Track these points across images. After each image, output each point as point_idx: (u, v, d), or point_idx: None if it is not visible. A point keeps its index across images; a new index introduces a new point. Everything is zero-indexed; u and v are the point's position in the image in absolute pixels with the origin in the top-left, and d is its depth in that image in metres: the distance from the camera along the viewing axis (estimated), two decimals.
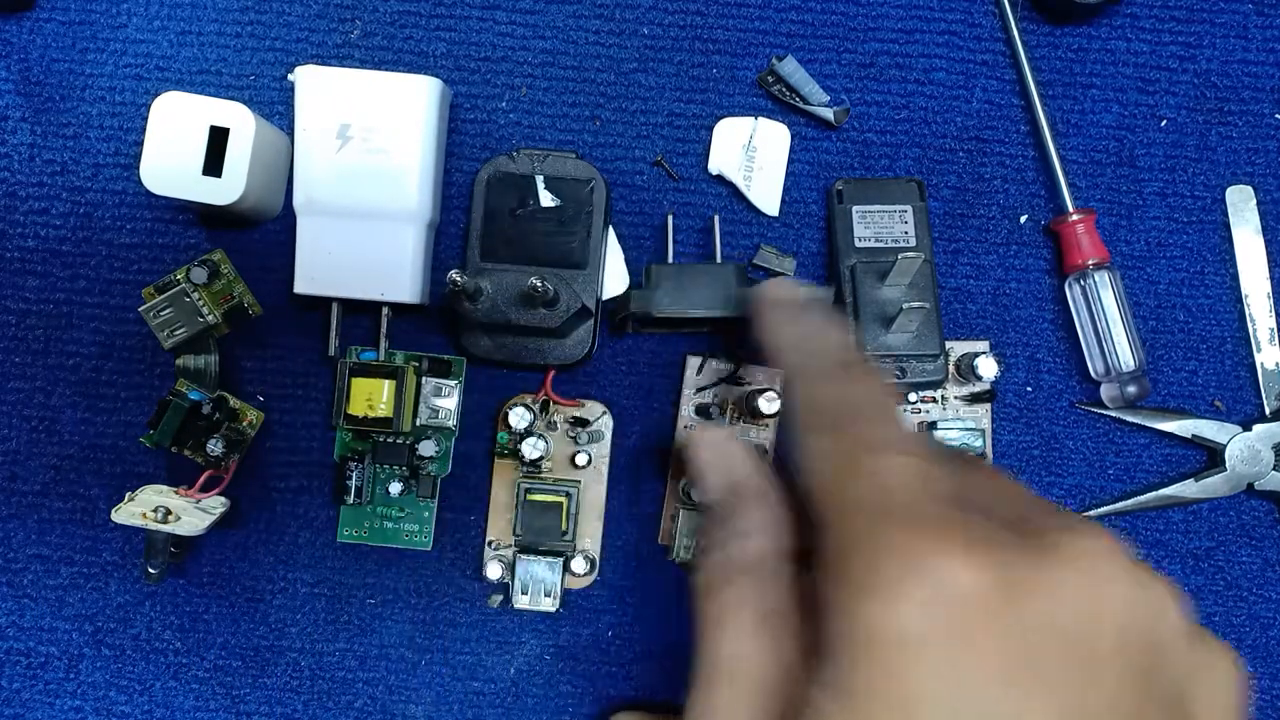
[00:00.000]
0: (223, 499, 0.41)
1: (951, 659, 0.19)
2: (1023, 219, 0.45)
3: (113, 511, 0.38)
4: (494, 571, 0.42)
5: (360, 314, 0.43)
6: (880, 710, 0.19)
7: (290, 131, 0.42)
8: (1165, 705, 0.21)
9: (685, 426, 0.43)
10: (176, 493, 0.41)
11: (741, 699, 0.24)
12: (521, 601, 0.41)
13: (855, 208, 0.43)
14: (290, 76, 0.42)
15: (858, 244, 0.43)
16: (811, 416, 0.27)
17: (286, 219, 0.43)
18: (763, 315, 0.34)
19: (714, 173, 0.44)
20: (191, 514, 0.39)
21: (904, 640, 0.19)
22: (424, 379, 0.42)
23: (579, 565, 0.42)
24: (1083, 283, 0.43)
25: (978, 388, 0.44)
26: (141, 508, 0.38)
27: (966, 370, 0.43)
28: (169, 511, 0.38)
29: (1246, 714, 0.23)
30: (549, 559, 0.42)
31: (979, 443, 0.42)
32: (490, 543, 0.43)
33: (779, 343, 0.33)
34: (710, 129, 0.44)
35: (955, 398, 0.44)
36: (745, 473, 0.32)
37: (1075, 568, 0.20)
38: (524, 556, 0.42)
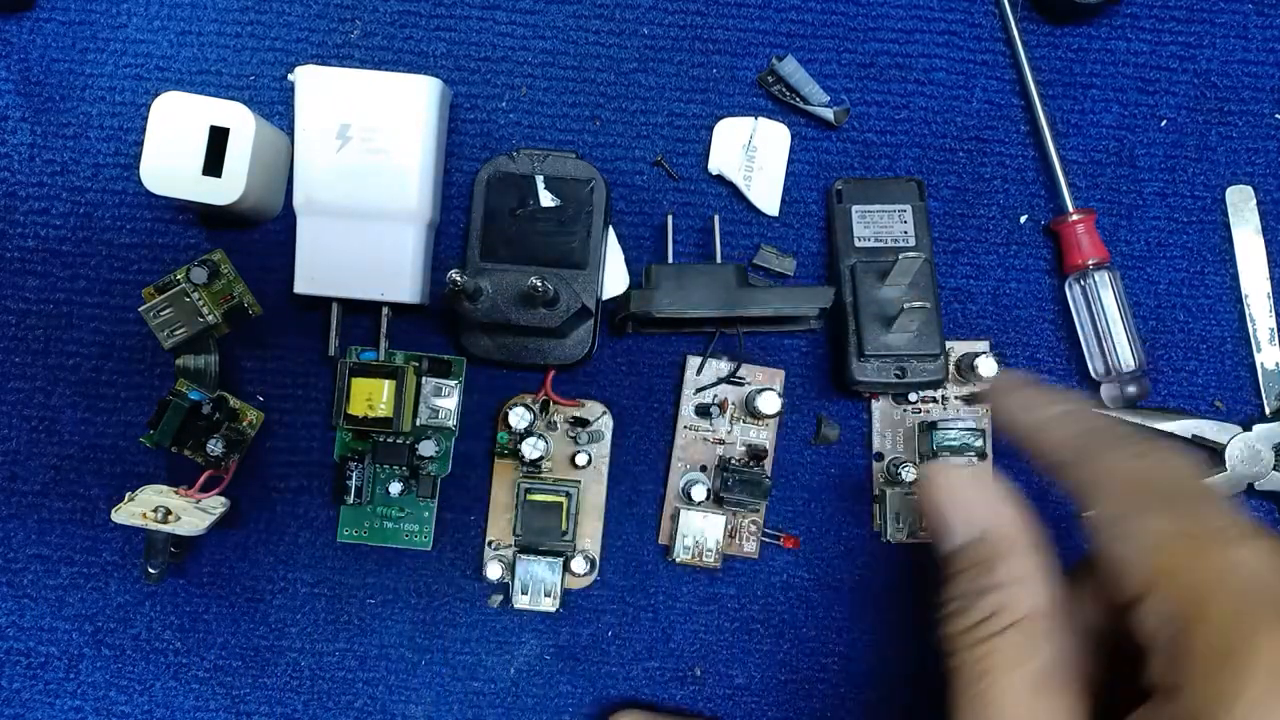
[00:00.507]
0: (223, 499, 0.41)
1: None
2: (1023, 219, 0.45)
3: (113, 511, 0.38)
4: (494, 571, 0.42)
5: (360, 314, 0.43)
6: None
7: (290, 131, 0.42)
8: None
9: (685, 427, 0.43)
10: (177, 493, 0.41)
11: None
12: (521, 601, 0.41)
13: (855, 207, 0.43)
14: (290, 76, 0.42)
15: (857, 244, 0.43)
16: (1132, 494, 0.26)
17: (286, 219, 0.43)
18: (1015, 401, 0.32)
19: (714, 173, 0.44)
20: (191, 514, 0.39)
21: None
22: (424, 379, 0.42)
23: (579, 565, 0.42)
24: (1083, 283, 0.43)
25: (978, 387, 0.44)
26: (141, 508, 0.38)
27: (966, 370, 0.43)
28: (169, 511, 0.38)
29: None
30: (549, 559, 0.42)
31: (979, 443, 0.42)
32: (490, 543, 0.43)
33: (1022, 421, 0.31)
34: (710, 129, 0.44)
35: (955, 397, 0.44)
36: (1004, 519, 0.30)
37: None
38: (524, 556, 0.42)
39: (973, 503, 0.30)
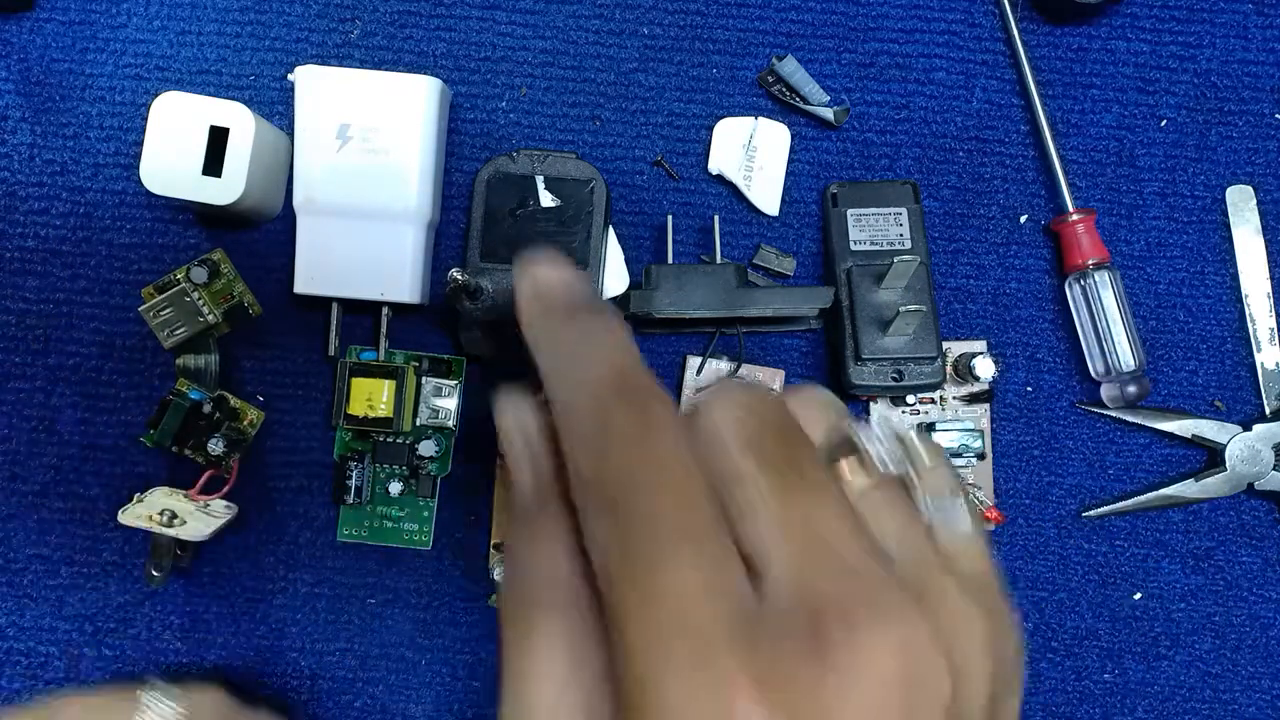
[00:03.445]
0: (230, 505, 0.41)
1: None
2: (1023, 219, 0.45)
3: (120, 512, 0.38)
4: (500, 574, 0.41)
5: (360, 314, 0.43)
6: None
7: (290, 131, 0.42)
8: None
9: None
10: (185, 495, 0.41)
11: None
12: None
13: (850, 211, 0.43)
14: (290, 76, 0.42)
15: (853, 247, 0.43)
16: (581, 484, 0.20)
17: (286, 219, 0.43)
18: (523, 316, 0.26)
19: (714, 173, 0.44)
20: (198, 518, 0.39)
21: None
22: (424, 379, 0.42)
23: None
24: (1083, 283, 0.43)
25: (976, 388, 0.44)
26: (149, 510, 0.38)
27: (965, 370, 0.43)
28: (174, 515, 0.38)
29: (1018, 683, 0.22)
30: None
31: (978, 443, 0.42)
32: (495, 545, 0.43)
33: (540, 362, 0.24)
34: (710, 129, 0.44)
35: (954, 398, 0.44)
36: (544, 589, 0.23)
37: (864, 680, 0.17)
38: None
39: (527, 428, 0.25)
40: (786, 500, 0.19)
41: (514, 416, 0.25)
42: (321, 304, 0.42)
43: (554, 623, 0.20)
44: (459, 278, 0.37)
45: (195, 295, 0.40)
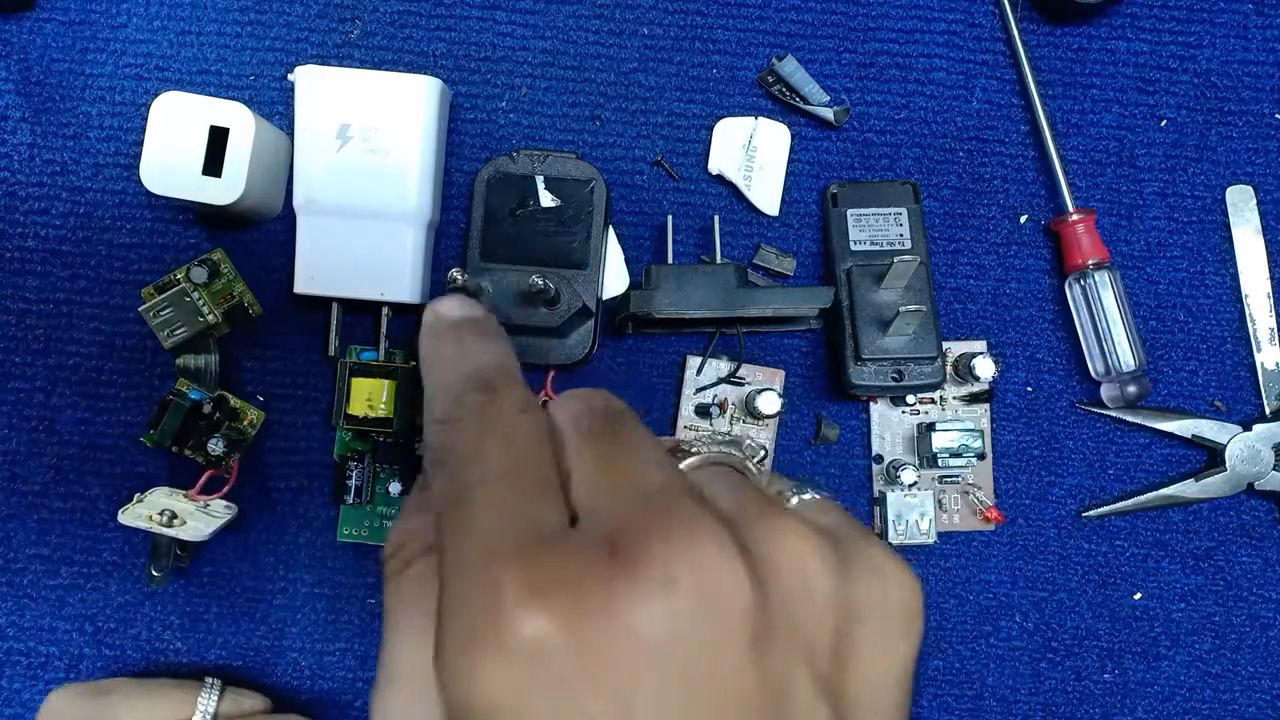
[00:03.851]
0: (230, 505, 0.41)
1: (551, 717, 0.18)
2: (1023, 219, 0.45)
3: (120, 512, 0.38)
4: None
5: (360, 314, 0.43)
6: None
7: (290, 131, 0.42)
8: (815, 673, 0.20)
9: (685, 427, 0.43)
10: (185, 495, 0.41)
11: (412, 712, 0.22)
12: None
13: (850, 211, 0.43)
14: (290, 76, 0.42)
15: (853, 247, 0.43)
16: (427, 454, 0.24)
17: (286, 219, 0.43)
18: (420, 343, 0.30)
19: (714, 173, 0.44)
20: (197, 518, 0.39)
21: (499, 709, 0.18)
22: None
23: None
24: (1083, 283, 0.43)
25: (976, 388, 0.44)
26: (149, 510, 0.38)
27: (964, 370, 0.43)
28: (174, 515, 0.38)
29: (917, 630, 0.22)
30: None
31: (978, 443, 0.42)
32: None
33: (422, 374, 0.28)
34: (710, 129, 0.44)
35: (954, 398, 0.44)
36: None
37: (651, 584, 0.18)
38: None
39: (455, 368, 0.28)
40: (599, 455, 0.22)
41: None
42: (321, 304, 0.42)
43: (415, 569, 0.23)
44: (459, 278, 0.37)
45: (195, 295, 0.40)
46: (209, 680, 0.40)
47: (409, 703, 0.22)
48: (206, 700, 0.39)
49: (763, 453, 0.28)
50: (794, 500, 0.24)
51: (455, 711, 0.19)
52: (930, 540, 0.42)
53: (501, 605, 0.18)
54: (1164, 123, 0.45)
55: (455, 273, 0.37)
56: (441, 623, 0.19)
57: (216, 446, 0.40)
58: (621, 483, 0.22)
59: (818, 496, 0.24)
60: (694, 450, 0.26)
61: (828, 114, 0.44)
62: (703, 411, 0.43)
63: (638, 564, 0.19)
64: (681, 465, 0.25)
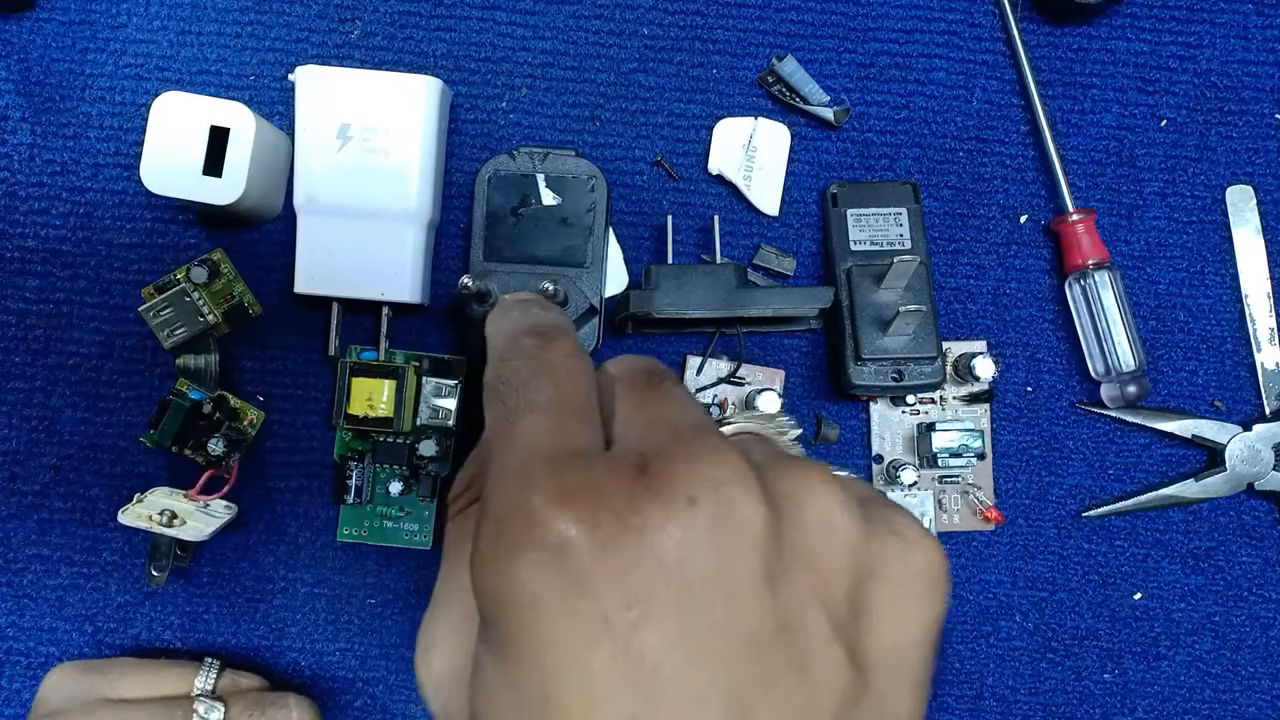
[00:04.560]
0: (230, 505, 0.41)
1: (570, 611, 0.19)
2: (1023, 219, 0.45)
3: (120, 512, 0.38)
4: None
5: (360, 314, 0.43)
6: (519, 665, 0.19)
7: (290, 131, 0.42)
8: (832, 617, 0.21)
9: None
10: (185, 495, 0.41)
11: (463, 638, 0.24)
12: None
13: (850, 211, 0.43)
14: (290, 76, 0.42)
15: (853, 247, 0.43)
16: (485, 392, 0.27)
17: (286, 219, 0.43)
18: (489, 317, 0.32)
19: (714, 173, 0.44)
20: (197, 518, 0.39)
21: (523, 600, 0.19)
22: (424, 379, 0.42)
23: None
24: (1083, 283, 0.43)
25: (976, 388, 0.44)
26: (149, 510, 0.38)
27: (964, 370, 0.43)
28: (174, 515, 0.38)
29: (939, 598, 0.22)
30: None
31: (978, 443, 0.42)
32: None
33: (487, 332, 0.31)
34: (710, 129, 0.44)
35: (954, 398, 0.44)
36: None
37: (673, 500, 0.20)
38: None
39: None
40: (640, 397, 0.25)
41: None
42: (321, 304, 0.42)
43: (474, 510, 0.26)
44: (470, 285, 0.37)
45: (195, 295, 0.40)
46: (208, 660, 0.40)
47: (454, 625, 0.24)
48: (204, 679, 0.40)
49: (799, 431, 0.29)
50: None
51: (485, 606, 0.21)
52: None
53: (532, 506, 0.20)
54: (1164, 123, 0.45)
55: (466, 279, 0.37)
56: (479, 528, 0.21)
57: (216, 446, 0.40)
58: (657, 417, 0.24)
59: (849, 474, 0.26)
60: (731, 421, 0.29)
61: (828, 114, 0.44)
62: None
63: (661, 481, 0.20)
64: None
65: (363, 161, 0.40)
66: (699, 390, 0.43)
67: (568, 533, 0.19)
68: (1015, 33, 0.44)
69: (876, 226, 0.43)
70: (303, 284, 0.41)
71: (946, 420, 0.43)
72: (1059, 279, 0.44)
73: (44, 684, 0.39)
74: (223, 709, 0.39)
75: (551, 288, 0.37)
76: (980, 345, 0.44)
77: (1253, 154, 0.45)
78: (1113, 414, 0.44)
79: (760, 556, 0.20)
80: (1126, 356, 0.42)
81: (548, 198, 0.42)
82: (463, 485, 0.28)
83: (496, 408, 0.25)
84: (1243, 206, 0.45)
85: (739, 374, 0.43)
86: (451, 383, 0.42)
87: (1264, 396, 0.44)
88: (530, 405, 0.24)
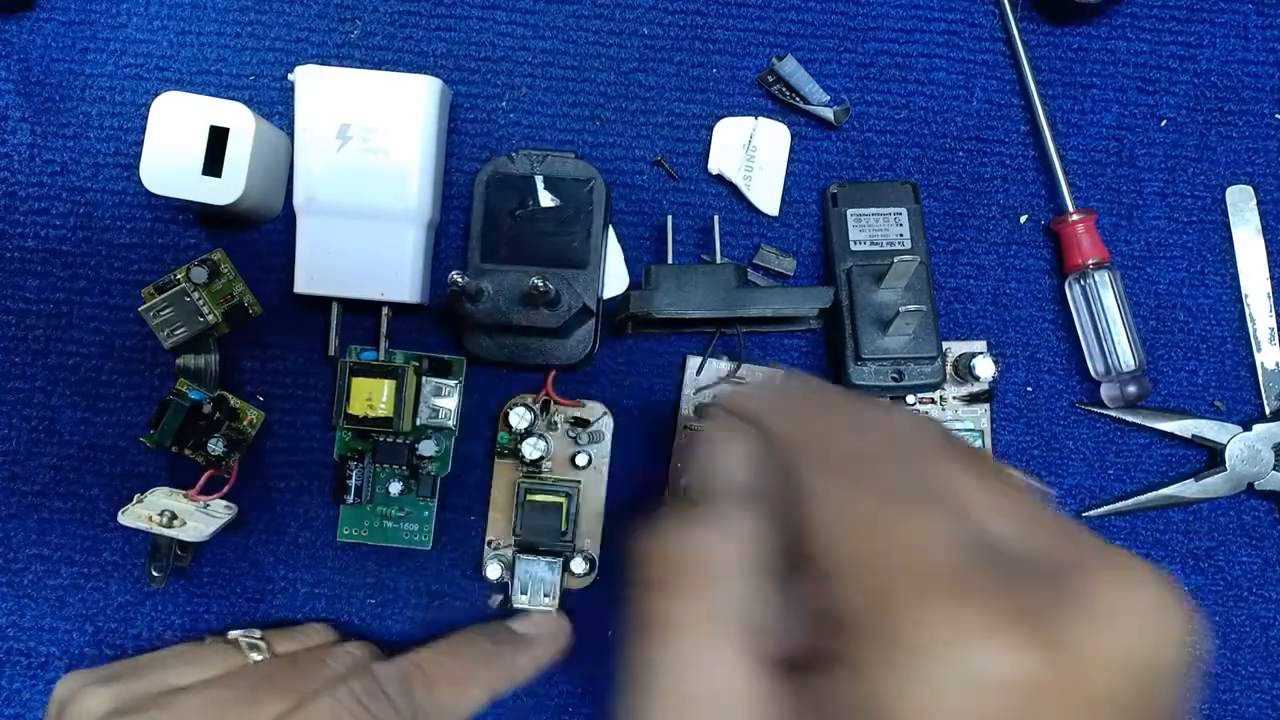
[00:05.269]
0: (230, 505, 0.41)
1: None
2: (1023, 219, 0.45)
3: (120, 513, 0.38)
4: (493, 571, 0.41)
5: (360, 314, 0.43)
6: None
7: (290, 131, 0.42)
8: None
9: (685, 427, 0.43)
10: (185, 495, 0.41)
11: None
12: (521, 601, 0.41)
13: (850, 211, 0.43)
14: (290, 76, 0.42)
15: (853, 247, 0.43)
16: (820, 458, 0.23)
17: (286, 219, 0.43)
18: (753, 402, 0.29)
19: (714, 173, 0.44)
20: (198, 519, 0.39)
21: None
22: (424, 379, 0.42)
23: (578, 565, 0.42)
24: (1083, 283, 0.43)
25: (975, 388, 0.44)
26: (149, 510, 0.38)
27: (964, 370, 0.43)
28: (174, 515, 0.38)
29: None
30: (548, 559, 0.42)
31: (978, 443, 0.42)
32: (490, 542, 0.43)
33: (767, 401, 0.28)
34: (710, 129, 0.44)
35: (954, 398, 0.44)
36: (739, 477, 0.26)
37: (1112, 625, 0.18)
38: (523, 556, 0.42)
39: (723, 455, 0.28)
40: (994, 486, 0.22)
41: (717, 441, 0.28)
42: (321, 304, 0.42)
43: (727, 593, 0.22)
44: (460, 281, 0.37)
45: (195, 295, 0.40)
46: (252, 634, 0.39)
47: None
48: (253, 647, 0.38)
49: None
50: None
51: (872, 711, 0.18)
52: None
53: (992, 633, 0.18)
54: (1164, 123, 0.45)
55: (455, 275, 0.37)
56: (885, 632, 0.19)
57: (216, 446, 0.40)
58: (1029, 515, 0.21)
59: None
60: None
61: (828, 114, 0.44)
62: (703, 411, 0.43)
63: (1089, 602, 0.19)
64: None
65: (362, 161, 0.40)
66: (699, 390, 0.43)
67: (1003, 664, 0.17)
68: (1015, 33, 0.44)
69: (876, 226, 0.43)
70: (303, 284, 0.41)
71: (946, 420, 0.43)
72: (1059, 279, 0.44)
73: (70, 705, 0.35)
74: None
75: (541, 284, 0.37)
76: (980, 345, 0.44)
77: (1253, 154, 0.45)
78: (1113, 414, 0.44)
79: (1180, 664, 0.19)
80: (1126, 356, 0.42)
81: (546, 199, 0.42)
82: (675, 560, 0.23)
83: (845, 489, 0.22)
84: (1243, 206, 0.45)
85: (739, 374, 0.43)
86: (451, 383, 0.42)
87: (1264, 396, 0.44)
88: (916, 492, 0.21)
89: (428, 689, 0.34)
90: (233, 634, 0.39)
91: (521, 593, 0.41)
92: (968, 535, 0.20)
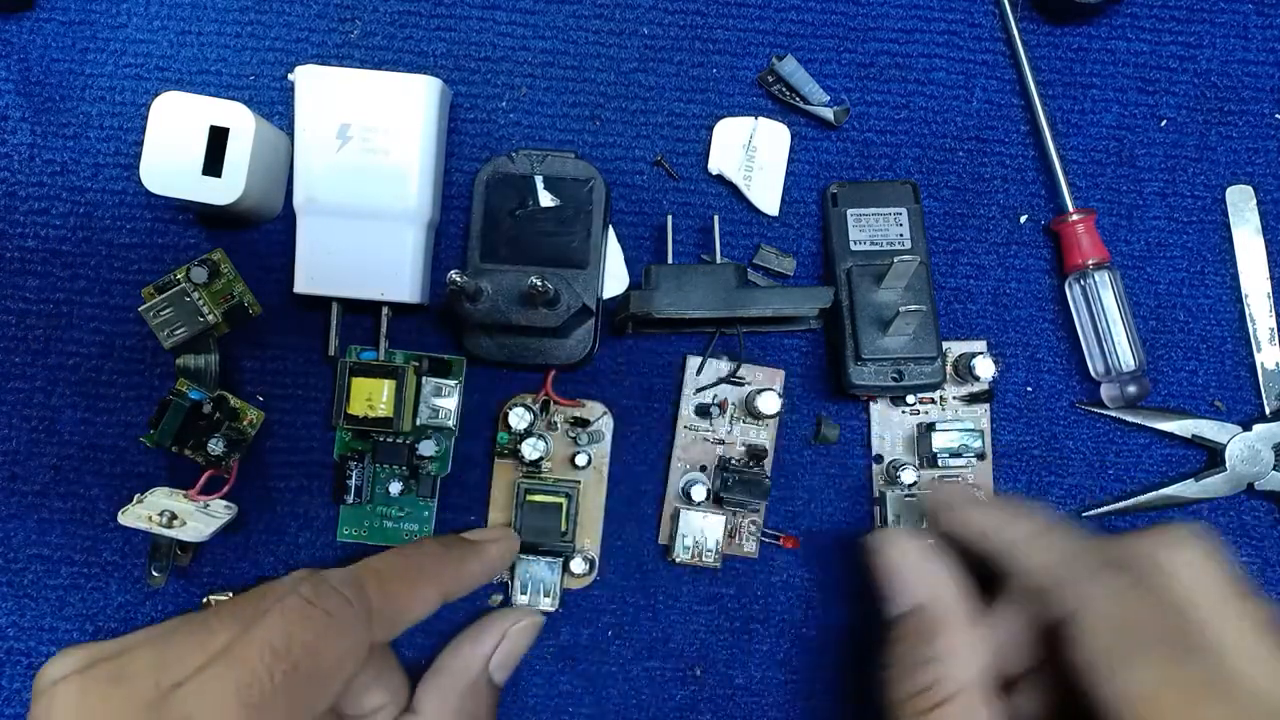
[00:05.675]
0: (230, 505, 0.41)
1: None
2: (1023, 219, 0.45)
3: (120, 513, 0.38)
4: None
5: (360, 314, 0.43)
6: None
7: (290, 131, 0.42)
8: None
9: (685, 427, 0.43)
10: (185, 496, 0.41)
11: None
12: (521, 601, 0.41)
13: (850, 211, 0.43)
14: (290, 76, 0.42)
15: (853, 247, 0.43)
16: (1121, 634, 0.28)
17: (286, 219, 0.43)
18: (971, 520, 0.35)
19: (714, 173, 0.44)
20: (197, 519, 0.39)
21: None
22: (424, 379, 0.42)
23: (578, 565, 0.42)
24: (1083, 283, 0.43)
25: (976, 388, 0.44)
26: (148, 510, 0.38)
27: (964, 370, 0.43)
28: (174, 516, 0.38)
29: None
30: (548, 559, 0.42)
31: (978, 443, 0.42)
32: None
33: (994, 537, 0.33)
34: (710, 129, 0.44)
35: (954, 398, 0.44)
36: (942, 592, 0.32)
37: None
38: (524, 556, 0.42)
39: (915, 574, 0.33)
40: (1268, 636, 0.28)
41: (911, 557, 0.35)
42: (321, 304, 0.42)
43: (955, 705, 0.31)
44: (458, 280, 0.37)
45: (195, 295, 0.40)
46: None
47: None
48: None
49: None
50: None
51: None
52: (932, 540, 0.42)
53: None
54: (1164, 123, 0.45)
55: (454, 275, 0.37)
56: None
57: (216, 446, 0.40)
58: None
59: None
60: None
61: (828, 114, 0.44)
62: (703, 411, 0.43)
63: None
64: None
65: (362, 161, 0.40)
66: (699, 390, 0.43)
67: None
68: (1015, 33, 0.44)
69: (876, 226, 0.43)
70: (303, 284, 0.41)
71: (946, 420, 0.43)
72: (1059, 279, 0.44)
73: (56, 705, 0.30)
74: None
75: (540, 284, 0.37)
76: (980, 345, 0.44)
77: (1253, 154, 0.45)
78: (1113, 414, 0.44)
79: None
80: (1126, 356, 0.42)
81: (545, 199, 0.42)
82: (917, 669, 0.31)
83: (1155, 673, 0.27)
84: (1243, 206, 0.45)
85: (739, 374, 0.43)
86: (451, 383, 0.42)
87: (1264, 396, 0.44)
88: (1228, 681, 0.26)
89: (380, 586, 0.33)
90: (207, 599, 0.41)
91: (521, 592, 0.41)
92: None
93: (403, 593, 0.34)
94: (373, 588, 0.33)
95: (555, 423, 0.43)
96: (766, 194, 0.44)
